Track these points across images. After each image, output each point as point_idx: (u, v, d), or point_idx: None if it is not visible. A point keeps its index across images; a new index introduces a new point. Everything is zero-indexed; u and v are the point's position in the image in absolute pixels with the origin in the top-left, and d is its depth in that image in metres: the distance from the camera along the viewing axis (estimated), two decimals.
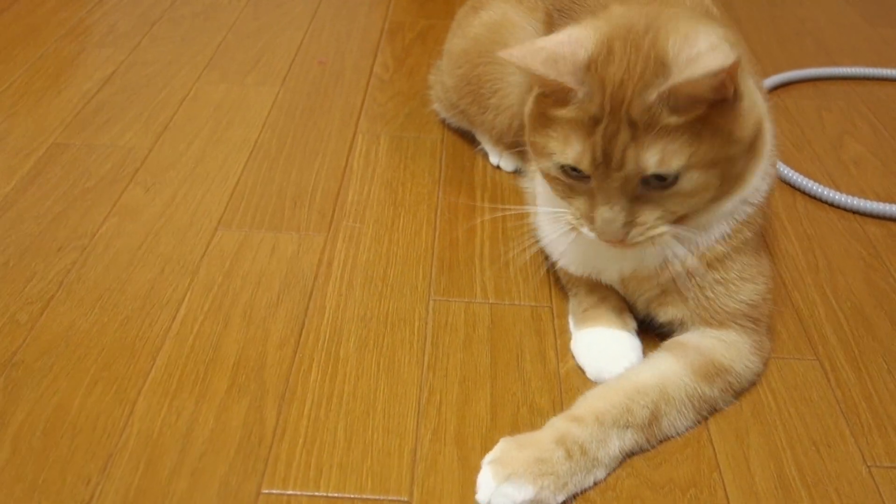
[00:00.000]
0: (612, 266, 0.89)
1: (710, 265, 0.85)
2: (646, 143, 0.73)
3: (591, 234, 0.79)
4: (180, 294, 0.99)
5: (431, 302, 0.99)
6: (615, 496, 0.77)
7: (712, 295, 0.86)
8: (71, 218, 1.11)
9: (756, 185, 0.83)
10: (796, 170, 1.24)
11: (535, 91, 0.81)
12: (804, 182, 1.21)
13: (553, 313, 0.98)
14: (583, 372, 0.90)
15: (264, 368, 0.89)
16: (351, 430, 0.82)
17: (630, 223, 0.77)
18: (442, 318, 0.97)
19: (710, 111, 0.73)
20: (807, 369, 0.92)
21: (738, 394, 0.87)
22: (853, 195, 1.18)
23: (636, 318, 0.93)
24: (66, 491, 0.75)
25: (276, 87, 1.46)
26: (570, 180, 0.79)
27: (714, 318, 0.87)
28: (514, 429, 0.82)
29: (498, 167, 1.25)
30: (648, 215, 0.77)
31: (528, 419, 0.84)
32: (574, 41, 0.77)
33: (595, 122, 0.75)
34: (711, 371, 0.84)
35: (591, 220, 0.79)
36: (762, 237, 0.90)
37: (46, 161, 1.23)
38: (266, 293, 1.00)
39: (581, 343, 0.91)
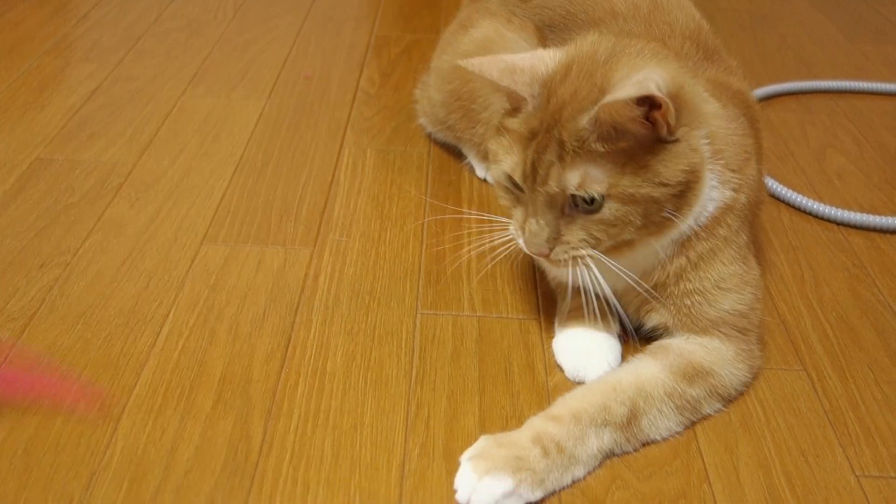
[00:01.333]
0: (609, 287, 0.89)
1: (676, 276, 0.86)
2: (568, 163, 0.76)
3: (523, 246, 0.83)
4: (165, 309, 0.98)
5: (419, 315, 0.99)
6: None
7: (690, 303, 0.87)
8: (54, 233, 1.10)
9: (684, 229, 0.83)
10: (781, 182, 1.25)
11: (506, 107, 0.85)
12: (789, 194, 1.22)
13: (541, 326, 0.98)
14: (562, 370, 0.90)
15: (250, 384, 0.88)
16: (338, 446, 0.82)
17: (555, 239, 0.80)
18: (429, 331, 0.96)
19: (639, 147, 0.76)
20: (794, 380, 0.92)
21: (726, 400, 0.87)
22: (837, 207, 1.19)
23: (631, 323, 0.93)
24: None
25: (261, 101, 1.46)
26: (514, 190, 0.83)
27: (696, 325, 0.87)
28: None
29: (484, 180, 1.25)
30: (573, 235, 0.80)
31: None
32: (538, 58, 0.81)
33: (533, 136, 0.79)
34: (691, 371, 0.84)
35: (522, 231, 0.82)
36: (745, 247, 0.90)
37: (29, 176, 1.22)
38: (252, 308, 0.99)
39: (561, 343, 0.92)
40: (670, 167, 0.77)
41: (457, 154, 1.30)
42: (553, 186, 0.77)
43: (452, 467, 0.79)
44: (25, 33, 1.67)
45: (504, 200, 0.86)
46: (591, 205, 0.78)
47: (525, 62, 0.81)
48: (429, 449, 0.81)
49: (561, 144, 0.77)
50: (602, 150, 0.76)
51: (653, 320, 0.90)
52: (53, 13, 1.76)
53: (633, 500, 0.77)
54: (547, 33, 1.07)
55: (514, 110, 0.82)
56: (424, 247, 1.11)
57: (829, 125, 1.45)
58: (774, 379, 0.92)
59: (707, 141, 0.82)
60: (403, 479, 0.78)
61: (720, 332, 0.87)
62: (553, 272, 0.94)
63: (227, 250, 1.08)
